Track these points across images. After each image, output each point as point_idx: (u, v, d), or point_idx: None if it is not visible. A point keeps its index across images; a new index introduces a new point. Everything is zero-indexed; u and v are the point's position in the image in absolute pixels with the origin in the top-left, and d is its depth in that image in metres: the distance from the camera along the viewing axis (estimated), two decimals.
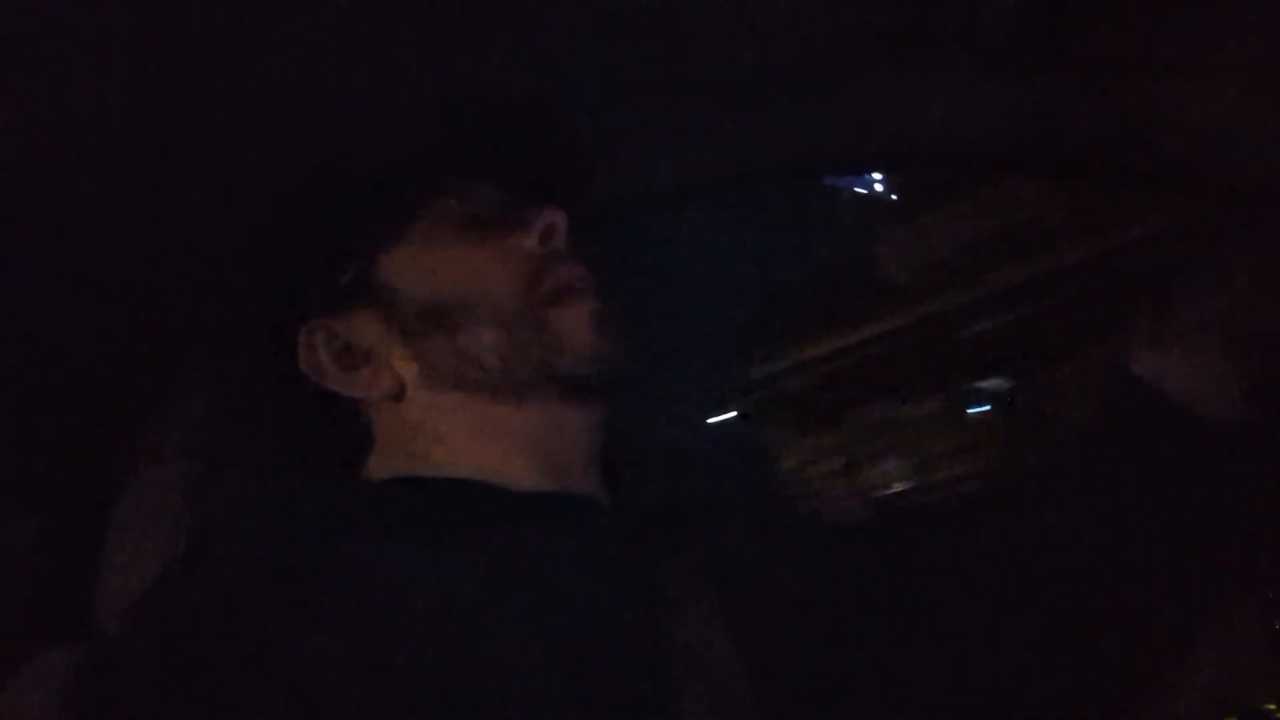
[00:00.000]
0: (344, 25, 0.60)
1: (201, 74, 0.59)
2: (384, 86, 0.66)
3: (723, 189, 0.90)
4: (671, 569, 0.61)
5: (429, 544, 0.54)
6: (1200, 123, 0.69)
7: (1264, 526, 0.68)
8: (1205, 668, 0.71)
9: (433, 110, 0.68)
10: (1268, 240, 0.66)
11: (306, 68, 0.62)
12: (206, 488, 0.70)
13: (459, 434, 0.63)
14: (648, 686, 0.53)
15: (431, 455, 0.63)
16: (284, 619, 0.49)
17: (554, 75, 0.69)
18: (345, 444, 0.66)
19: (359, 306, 0.65)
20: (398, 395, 0.64)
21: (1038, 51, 0.74)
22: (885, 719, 0.63)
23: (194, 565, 0.55)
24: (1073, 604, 0.66)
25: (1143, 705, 0.68)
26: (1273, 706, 0.80)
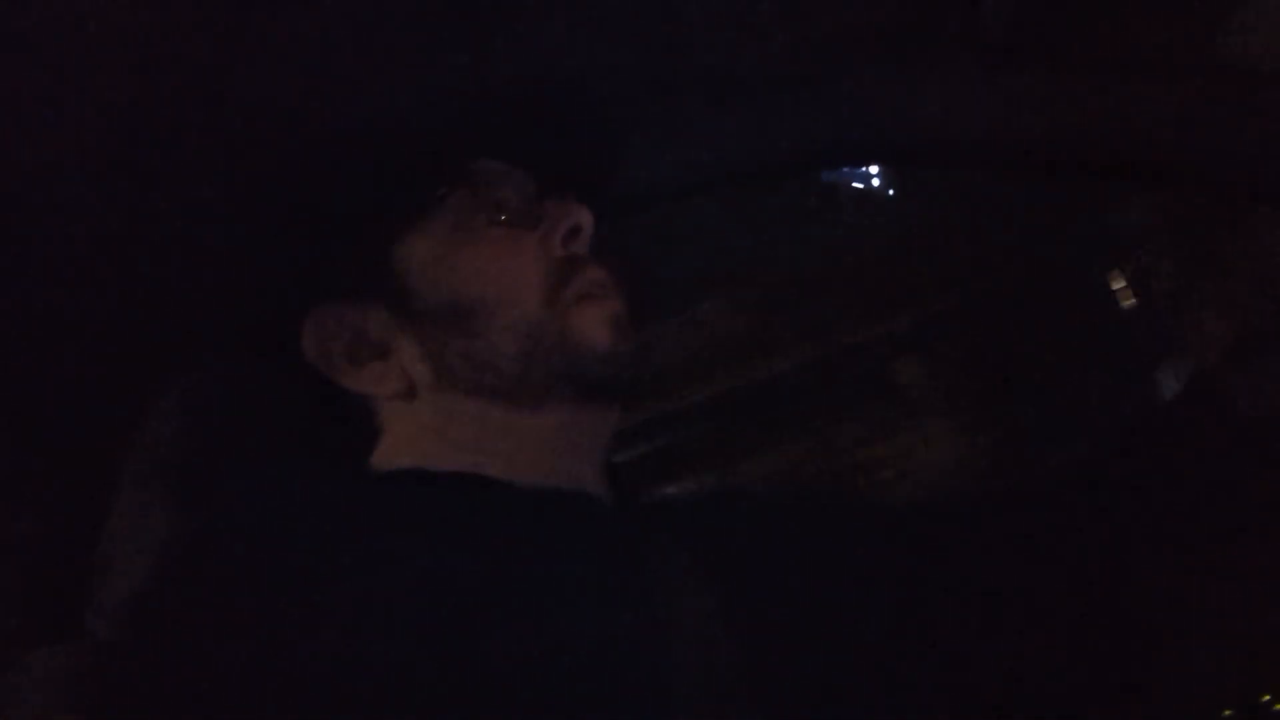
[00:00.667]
0: (355, 13, 0.59)
1: (213, 58, 0.58)
2: (394, 74, 0.64)
3: (720, 186, 0.90)
4: (672, 568, 0.61)
5: (431, 540, 0.54)
6: (1197, 123, 0.70)
7: None
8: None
9: (442, 99, 0.67)
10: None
11: (319, 54, 0.61)
12: (207, 483, 0.70)
13: (469, 436, 0.62)
14: (648, 685, 0.53)
15: (439, 454, 0.62)
16: (285, 617, 0.49)
17: (551, 72, 0.68)
18: (350, 436, 0.65)
19: (370, 297, 0.63)
20: (406, 395, 0.63)
21: (1037, 50, 0.74)
22: (886, 718, 0.64)
23: (194, 563, 0.54)
24: (1081, 605, 0.67)
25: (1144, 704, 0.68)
26: (1269, 698, 0.80)
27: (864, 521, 0.75)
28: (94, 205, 0.63)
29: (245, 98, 0.61)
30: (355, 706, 0.46)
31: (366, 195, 0.65)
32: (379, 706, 0.47)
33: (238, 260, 0.70)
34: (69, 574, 0.68)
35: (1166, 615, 0.68)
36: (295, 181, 0.66)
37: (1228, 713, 0.76)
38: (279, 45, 0.59)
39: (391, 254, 0.63)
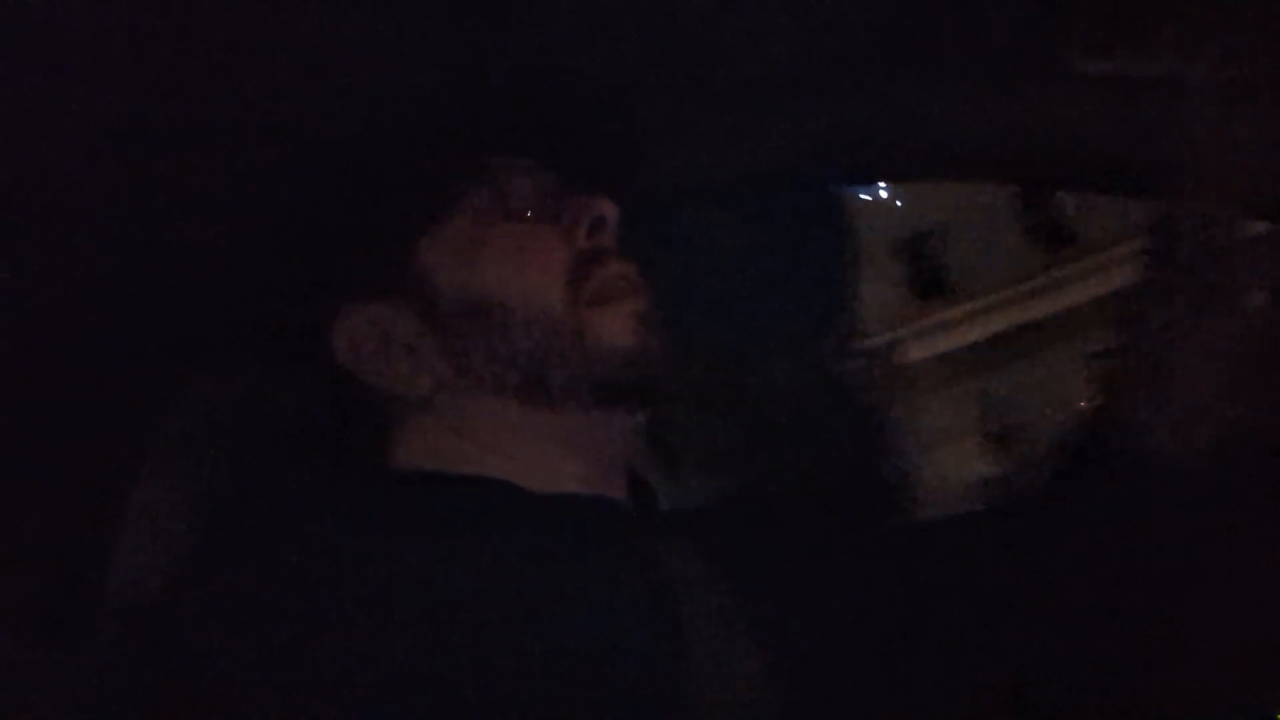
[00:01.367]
0: (369, 10, 0.59)
1: (227, 52, 0.58)
2: (408, 72, 0.65)
3: (725, 193, 0.90)
4: (692, 574, 0.60)
5: (446, 543, 0.53)
6: (1200, 129, 0.70)
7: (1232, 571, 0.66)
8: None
9: (456, 96, 0.67)
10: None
11: (333, 52, 0.61)
12: (219, 485, 0.70)
13: (489, 437, 0.62)
14: (664, 692, 0.53)
15: (457, 455, 0.62)
16: (297, 619, 0.48)
17: (558, 72, 0.68)
18: (367, 437, 0.64)
19: (396, 296, 0.63)
20: (430, 394, 0.62)
21: (1040, 58, 0.74)
22: (901, 716, 0.63)
23: (204, 565, 0.55)
24: (1080, 614, 0.66)
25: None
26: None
27: (882, 529, 0.75)
28: (108, 206, 0.64)
29: (259, 95, 0.61)
30: (366, 709, 0.46)
31: (386, 194, 0.65)
32: (392, 710, 0.46)
33: (256, 262, 0.70)
34: (74, 575, 0.68)
35: (1170, 631, 0.68)
36: (314, 181, 0.66)
37: None
38: (292, 41, 0.59)
39: (415, 253, 0.63)
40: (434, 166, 0.65)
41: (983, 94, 0.76)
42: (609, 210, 0.64)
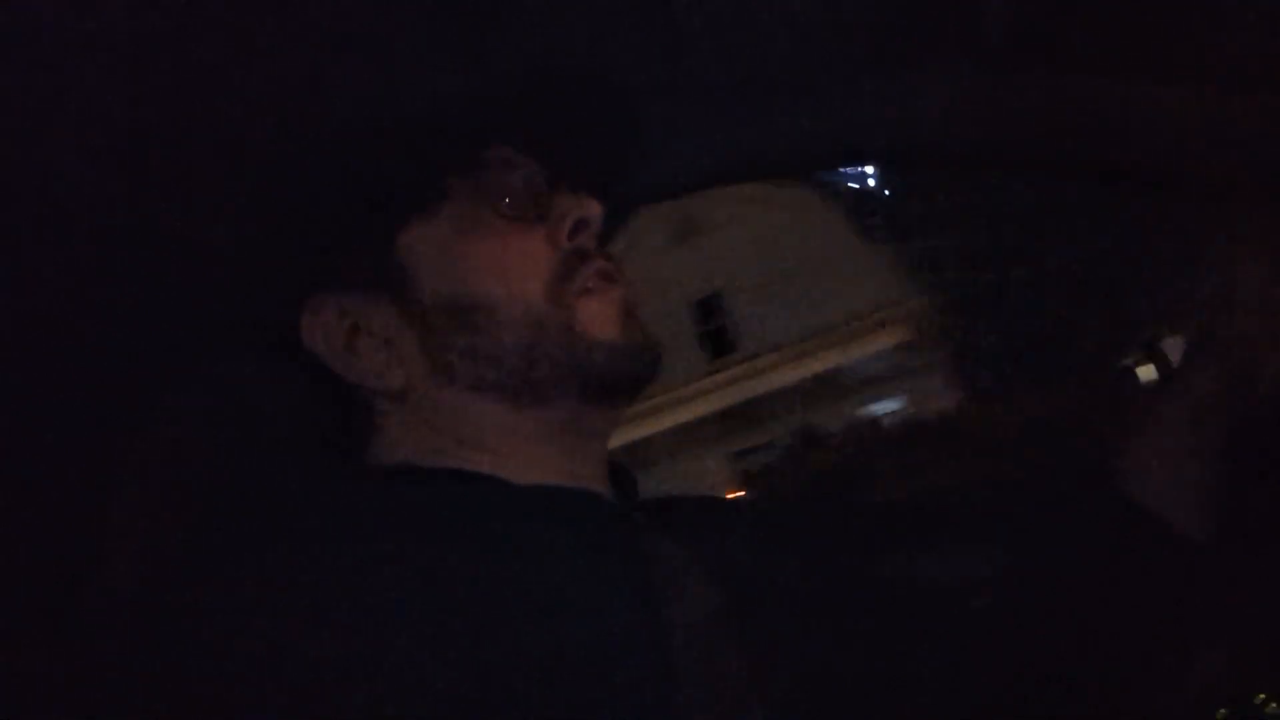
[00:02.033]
0: (359, 4, 0.58)
1: (210, 47, 0.57)
2: (397, 63, 0.64)
3: (717, 185, 0.90)
4: (674, 566, 0.61)
5: (427, 537, 0.53)
6: (1195, 123, 0.70)
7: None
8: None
9: (446, 88, 0.66)
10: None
11: (322, 42, 0.60)
12: (204, 481, 0.70)
13: (467, 432, 0.61)
14: (649, 684, 0.53)
15: (436, 449, 0.62)
16: (282, 615, 0.48)
17: (554, 67, 0.68)
18: (347, 431, 0.64)
19: (373, 288, 0.62)
20: (405, 388, 0.62)
21: (1034, 51, 0.75)
22: (883, 709, 0.64)
23: (192, 562, 0.55)
24: (1076, 605, 0.67)
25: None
26: (1265, 697, 0.80)
27: (865, 521, 0.75)
28: (94, 203, 0.63)
29: (245, 86, 0.60)
30: (352, 706, 0.46)
31: (370, 185, 0.64)
32: (375, 706, 0.46)
33: (239, 255, 0.69)
34: (69, 574, 0.68)
35: (1160, 614, 0.69)
36: (296, 172, 0.66)
37: (1222, 712, 0.77)
38: (280, 32, 0.58)
39: (395, 244, 0.62)
40: (417, 159, 0.64)
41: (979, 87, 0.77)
42: (594, 210, 0.64)
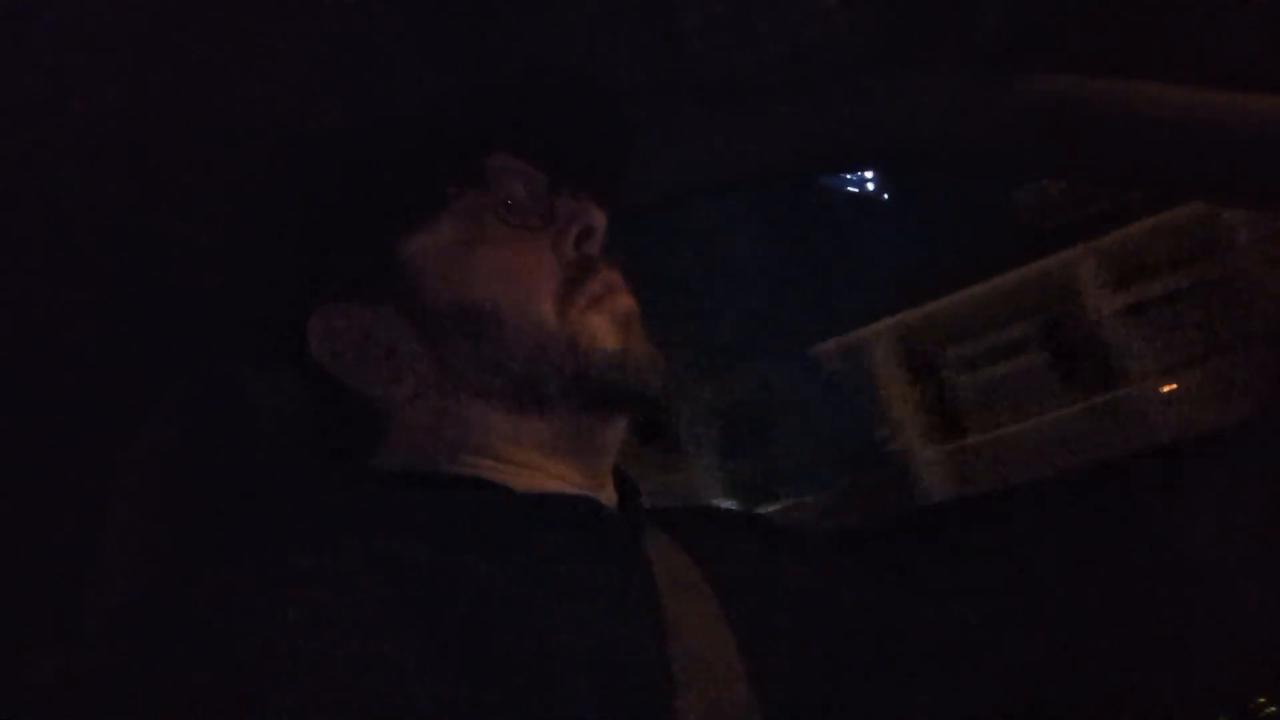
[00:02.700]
0: (361, 9, 0.58)
1: (213, 55, 0.58)
2: (400, 71, 0.64)
3: (716, 190, 0.90)
4: (676, 575, 0.61)
5: (431, 544, 0.53)
6: (1195, 123, 0.70)
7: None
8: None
9: (449, 96, 0.66)
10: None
11: (325, 49, 0.60)
12: (207, 485, 0.70)
13: (475, 441, 0.61)
14: (649, 693, 0.53)
15: (442, 456, 0.62)
16: (283, 619, 0.48)
17: (553, 73, 0.68)
18: (353, 437, 0.64)
19: (380, 297, 0.62)
20: (413, 395, 0.62)
21: (1032, 53, 0.75)
22: (882, 715, 0.63)
23: (193, 565, 0.54)
24: (1077, 606, 0.67)
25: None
26: (1264, 700, 0.80)
27: (862, 525, 0.75)
28: (94, 204, 0.63)
29: (249, 92, 0.60)
30: (350, 710, 0.46)
31: (375, 193, 0.64)
32: (374, 710, 0.46)
33: (243, 260, 0.69)
34: (69, 575, 0.68)
35: (1161, 617, 0.68)
36: (300, 179, 0.66)
37: (1222, 718, 0.76)
38: (283, 39, 0.58)
39: (401, 253, 0.62)
40: (419, 166, 0.64)
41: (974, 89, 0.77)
42: (598, 219, 0.64)
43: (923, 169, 0.90)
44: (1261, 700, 0.80)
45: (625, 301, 0.64)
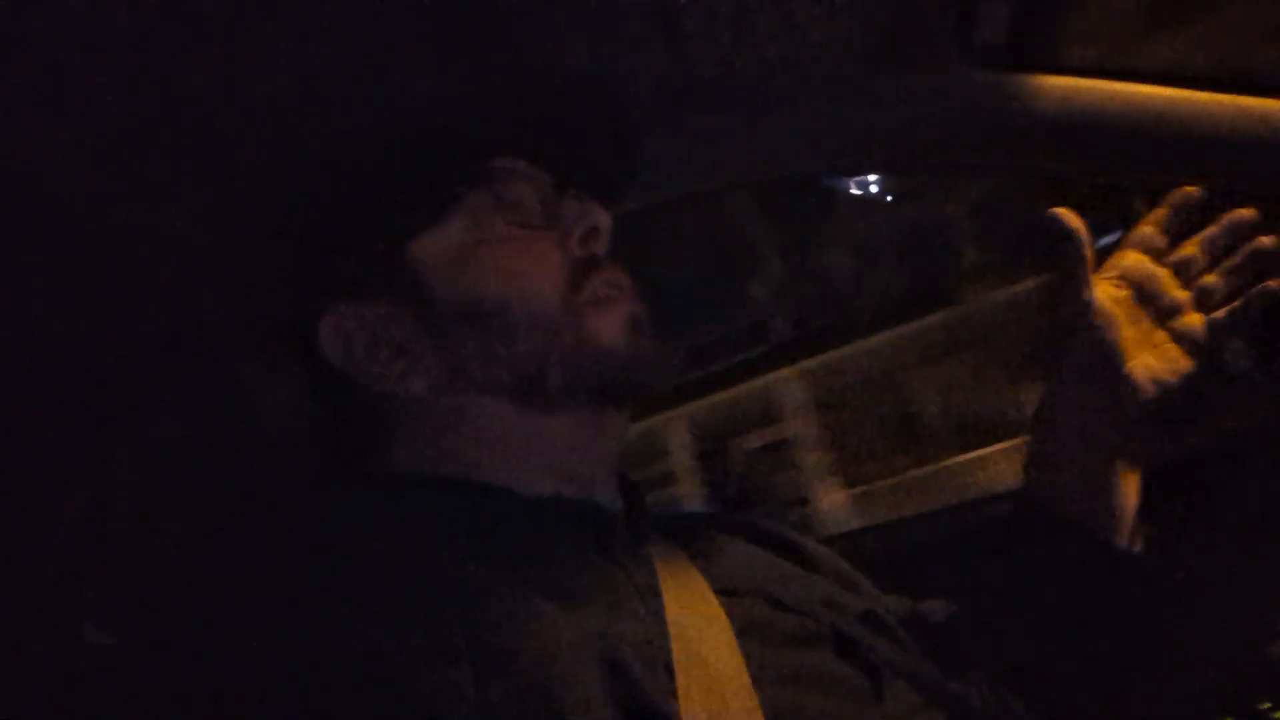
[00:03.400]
0: (369, 11, 0.59)
1: (226, 51, 0.58)
2: (407, 73, 0.65)
3: (719, 191, 0.91)
4: (678, 578, 0.61)
5: (436, 550, 0.53)
6: (1195, 123, 0.70)
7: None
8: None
9: (456, 98, 0.67)
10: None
11: (334, 51, 0.61)
12: (211, 485, 0.70)
13: (483, 438, 0.62)
14: (649, 696, 0.52)
15: (450, 455, 0.62)
16: (286, 620, 0.48)
17: (558, 75, 0.69)
18: (360, 437, 0.64)
19: (389, 297, 0.63)
20: (423, 394, 0.62)
21: (1032, 54, 0.75)
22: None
23: (196, 566, 0.54)
24: (1081, 610, 0.67)
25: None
26: (1268, 705, 0.80)
27: (863, 532, 0.75)
28: (95, 204, 0.63)
29: (257, 93, 0.61)
30: (355, 709, 0.46)
31: (383, 194, 0.65)
32: (380, 709, 0.46)
33: (251, 260, 0.70)
34: (69, 576, 0.68)
35: (1166, 623, 0.68)
36: (309, 181, 0.66)
37: None
38: (291, 39, 0.59)
39: (409, 253, 0.63)
40: (432, 168, 0.65)
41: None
42: (603, 220, 0.65)
43: (922, 169, 0.90)
44: (1268, 705, 0.80)
45: (631, 300, 0.64)
